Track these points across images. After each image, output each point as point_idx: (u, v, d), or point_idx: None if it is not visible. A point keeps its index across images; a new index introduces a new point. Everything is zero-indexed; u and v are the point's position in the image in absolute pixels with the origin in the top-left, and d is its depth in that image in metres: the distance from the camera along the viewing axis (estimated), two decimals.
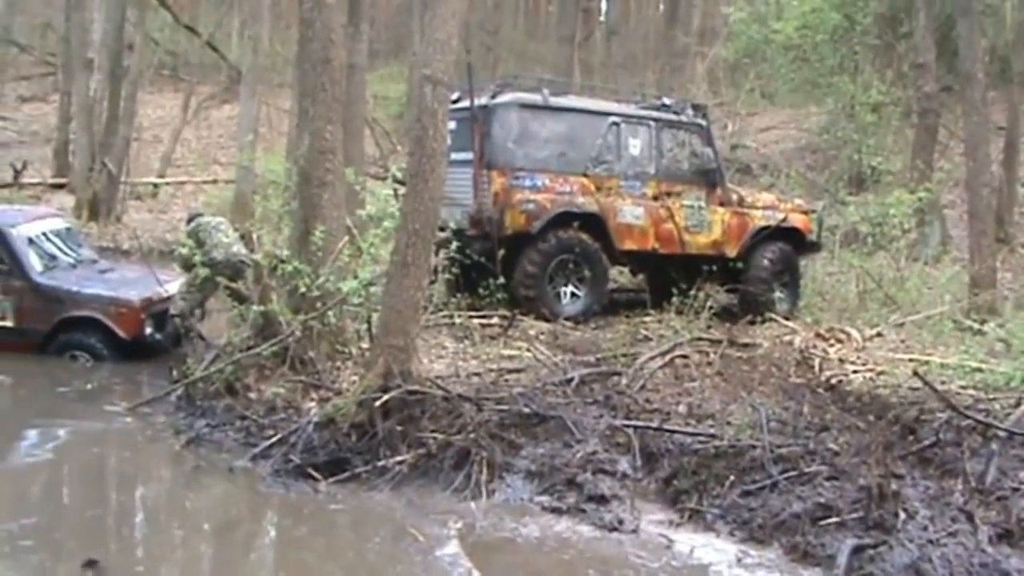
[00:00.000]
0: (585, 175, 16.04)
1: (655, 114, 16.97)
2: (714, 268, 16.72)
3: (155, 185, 32.86)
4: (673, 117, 17.03)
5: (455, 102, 15.28)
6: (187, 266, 13.93)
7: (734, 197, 17.40)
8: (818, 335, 14.54)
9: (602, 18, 44.44)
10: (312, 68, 12.84)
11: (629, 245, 16.29)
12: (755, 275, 16.97)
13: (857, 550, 8.14)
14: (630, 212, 16.26)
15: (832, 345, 14.15)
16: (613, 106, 17.14)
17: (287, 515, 9.80)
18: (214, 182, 32.56)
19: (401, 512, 9.43)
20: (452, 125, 14.92)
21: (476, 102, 15.50)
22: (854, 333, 14.56)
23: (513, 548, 8.80)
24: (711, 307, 15.12)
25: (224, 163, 34.36)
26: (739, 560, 8.50)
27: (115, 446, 11.77)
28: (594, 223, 15.89)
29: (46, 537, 9.10)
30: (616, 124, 16.41)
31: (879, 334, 14.90)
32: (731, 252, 17.06)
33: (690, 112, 17.32)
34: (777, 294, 17.18)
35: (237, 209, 25.93)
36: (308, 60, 12.96)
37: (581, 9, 36.41)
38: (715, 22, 37.99)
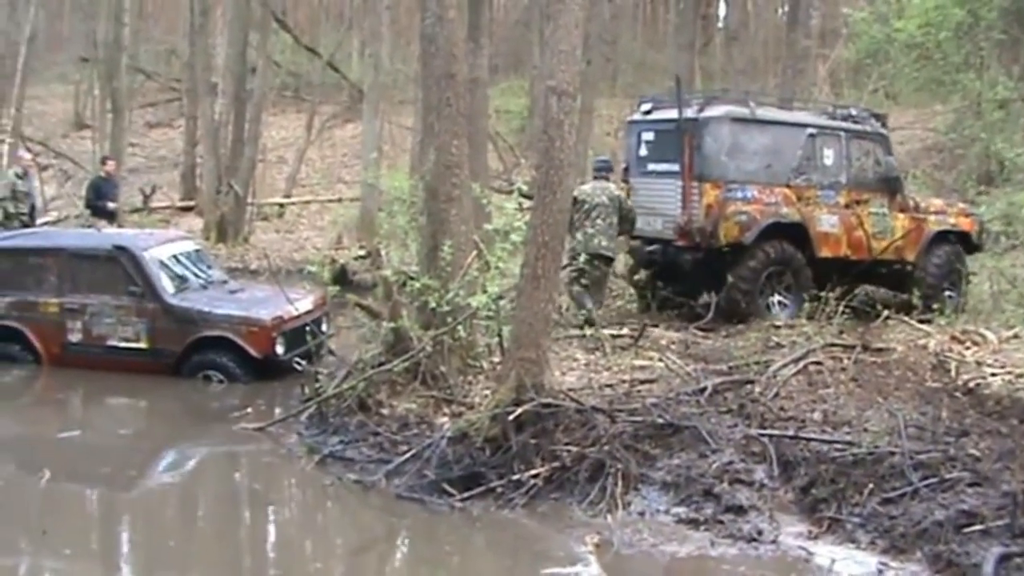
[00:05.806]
0: (787, 186, 16.39)
1: (845, 125, 17.31)
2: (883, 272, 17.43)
3: (281, 205, 33.24)
4: (859, 127, 17.37)
5: (647, 113, 16.36)
6: None
7: (911, 203, 17.75)
8: (953, 338, 14.27)
9: (720, 24, 44.11)
10: (436, 83, 12.88)
11: (826, 253, 16.64)
12: (929, 278, 17.32)
13: (1004, 559, 7.97)
14: (827, 221, 16.65)
15: (968, 348, 13.85)
16: (811, 118, 17.56)
17: (422, 533, 9.84)
18: (339, 201, 32.77)
19: (537, 528, 9.42)
20: (649, 136, 16.16)
21: (683, 115, 15.81)
22: (990, 335, 14.25)
23: (652, 564, 8.76)
24: (843, 312, 14.94)
25: (349, 181, 34.61)
26: (880, 572, 8.37)
27: (248, 466, 11.96)
28: (797, 232, 16.27)
29: (182, 559, 9.24)
30: (813, 135, 16.73)
31: (1016, 335, 14.56)
32: (910, 256, 17.42)
33: (873, 121, 17.67)
34: (947, 293, 17.43)
35: (363, 227, 26.13)
36: (431, 76, 13.01)
37: (700, 16, 36.27)
38: (836, 23, 37.52)
